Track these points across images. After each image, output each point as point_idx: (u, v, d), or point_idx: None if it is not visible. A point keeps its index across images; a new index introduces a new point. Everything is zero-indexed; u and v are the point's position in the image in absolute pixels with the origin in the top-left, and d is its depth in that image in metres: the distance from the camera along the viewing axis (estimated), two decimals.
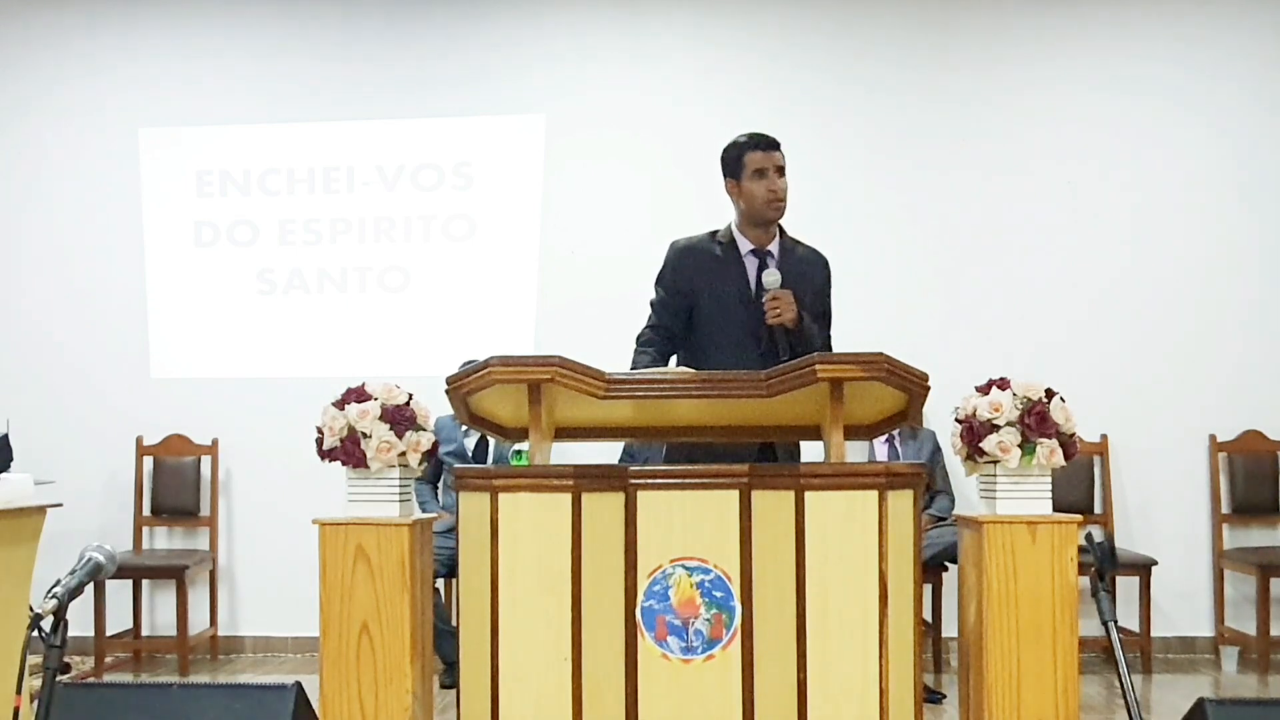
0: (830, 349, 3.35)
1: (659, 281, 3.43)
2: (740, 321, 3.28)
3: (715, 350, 3.29)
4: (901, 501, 2.64)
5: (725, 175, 3.40)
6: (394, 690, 2.99)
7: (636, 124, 5.76)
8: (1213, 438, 5.56)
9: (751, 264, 3.34)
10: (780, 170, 3.36)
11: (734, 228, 3.41)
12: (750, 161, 3.34)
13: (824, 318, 3.41)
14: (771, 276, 3.25)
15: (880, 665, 2.55)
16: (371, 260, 5.93)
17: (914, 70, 5.74)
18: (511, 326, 5.74)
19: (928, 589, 5.06)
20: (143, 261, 5.96)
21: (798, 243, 3.46)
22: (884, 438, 5.12)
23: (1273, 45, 5.65)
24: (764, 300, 3.22)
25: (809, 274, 3.38)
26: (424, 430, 3.11)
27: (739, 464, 2.72)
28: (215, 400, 5.86)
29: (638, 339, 3.40)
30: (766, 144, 3.37)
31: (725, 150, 3.40)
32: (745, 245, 3.37)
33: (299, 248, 5.96)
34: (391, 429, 3.05)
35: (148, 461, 5.83)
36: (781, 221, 3.43)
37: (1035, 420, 2.98)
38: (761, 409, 2.78)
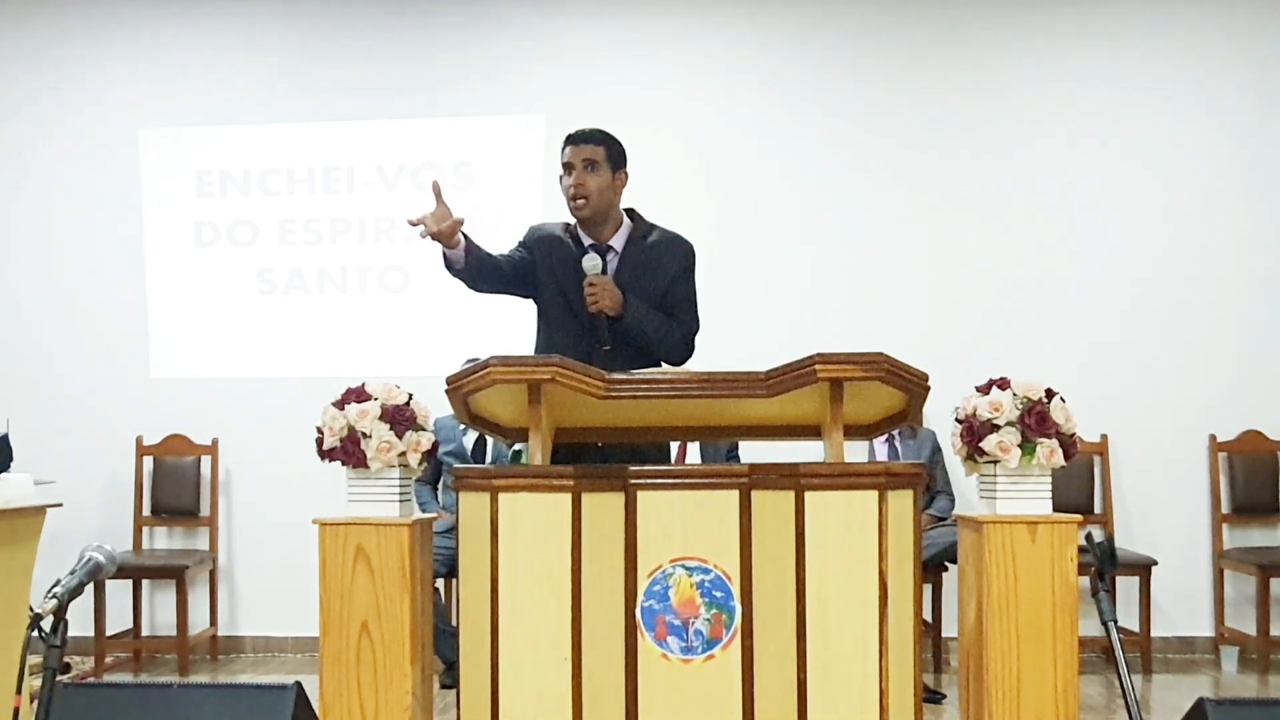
0: (683, 338, 3.30)
1: (519, 244, 3.39)
2: (575, 313, 3.24)
3: (554, 339, 3.25)
4: (901, 501, 2.64)
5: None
6: (394, 690, 2.99)
7: (637, 123, 5.67)
8: (1213, 438, 5.56)
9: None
10: (590, 164, 3.23)
11: (577, 224, 3.35)
12: (563, 156, 3.28)
13: (683, 305, 3.32)
14: (590, 262, 3.20)
15: (880, 665, 2.55)
16: (371, 260, 5.93)
17: (917, 68, 5.74)
18: (512, 326, 5.73)
19: (928, 589, 5.06)
20: (143, 261, 5.96)
21: (654, 228, 3.36)
22: (884, 438, 5.13)
23: (1276, 42, 5.65)
24: (584, 287, 3.18)
25: (659, 262, 3.30)
26: (424, 430, 3.11)
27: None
28: (215, 400, 5.86)
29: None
30: (573, 138, 3.27)
31: None
32: (586, 240, 3.31)
33: (299, 248, 5.96)
34: (391, 429, 3.05)
35: (148, 461, 5.83)
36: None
37: (1035, 420, 2.98)
38: (761, 408, 2.78)
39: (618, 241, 3.31)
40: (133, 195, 5.98)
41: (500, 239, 3.50)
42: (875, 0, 5.78)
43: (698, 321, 3.38)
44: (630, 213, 3.38)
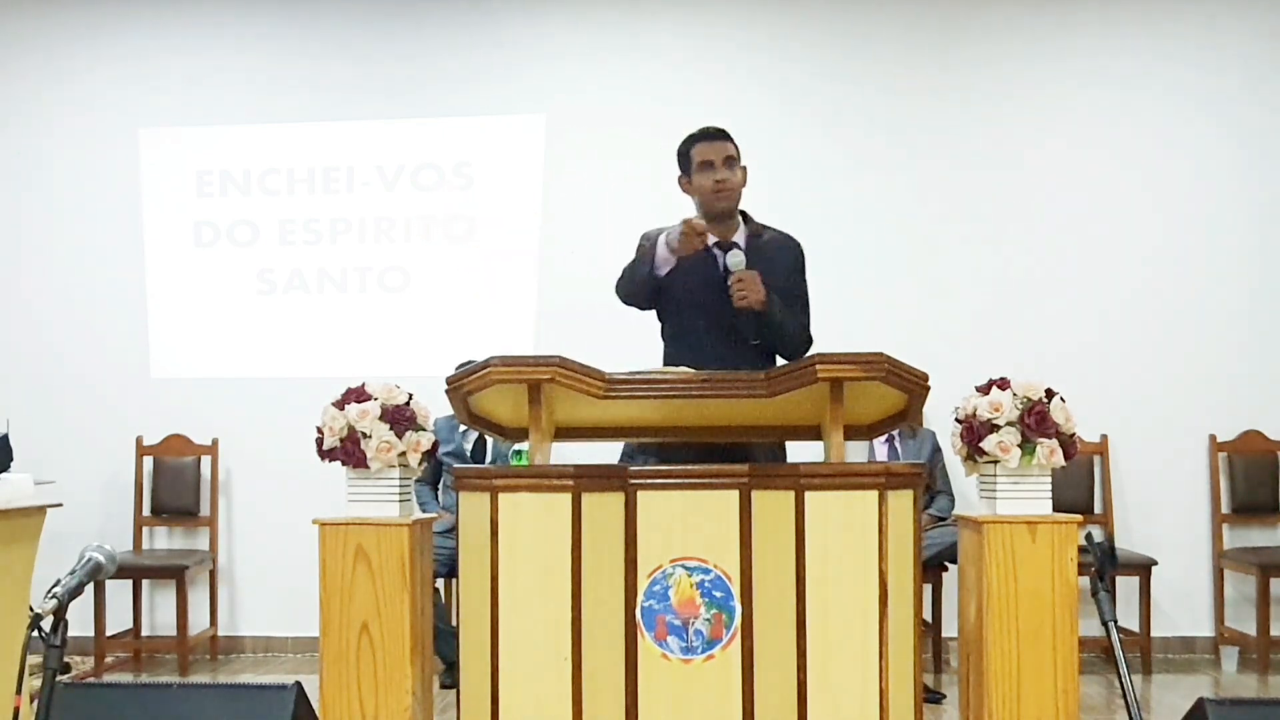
0: (804, 333, 3.33)
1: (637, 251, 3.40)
2: (711, 310, 3.24)
3: (686, 340, 3.28)
4: (901, 501, 2.64)
5: (680, 172, 3.38)
6: (394, 690, 2.99)
7: (637, 124, 5.75)
8: (1213, 438, 5.56)
9: (718, 256, 3.28)
10: (729, 160, 3.30)
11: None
12: (697, 154, 3.32)
13: (798, 302, 3.36)
14: (735, 257, 3.21)
15: (880, 665, 2.55)
16: (371, 260, 5.93)
17: (916, 68, 5.75)
18: (511, 326, 5.74)
19: (928, 589, 5.06)
20: (143, 261, 5.96)
21: (766, 228, 3.41)
22: (884, 438, 5.12)
23: (1276, 43, 5.65)
24: (729, 283, 3.19)
25: (776, 259, 3.33)
26: (424, 430, 3.11)
27: (739, 464, 2.72)
28: (215, 400, 5.86)
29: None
30: (711, 135, 3.34)
31: (678, 147, 3.39)
32: (710, 239, 3.30)
33: (299, 248, 5.96)
34: (391, 429, 3.05)
35: (148, 461, 5.83)
36: (750, 210, 3.40)
37: (1035, 420, 2.98)
38: (762, 409, 2.78)
39: (739, 240, 3.34)
40: (133, 195, 5.98)
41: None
42: (873, 3, 5.78)
43: (810, 317, 3.40)
44: (741, 213, 3.41)
